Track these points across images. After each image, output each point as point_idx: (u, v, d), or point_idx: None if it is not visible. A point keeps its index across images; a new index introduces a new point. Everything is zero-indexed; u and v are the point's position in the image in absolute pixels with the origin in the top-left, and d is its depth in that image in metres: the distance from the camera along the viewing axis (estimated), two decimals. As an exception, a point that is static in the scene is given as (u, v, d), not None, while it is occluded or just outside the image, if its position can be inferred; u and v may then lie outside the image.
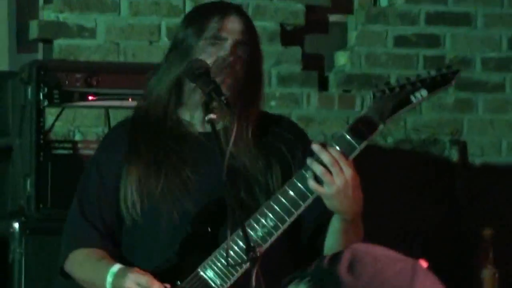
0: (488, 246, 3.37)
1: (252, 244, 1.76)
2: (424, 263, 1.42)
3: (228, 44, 2.02)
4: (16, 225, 2.86)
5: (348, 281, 1.45)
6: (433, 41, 3.82)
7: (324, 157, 1.84)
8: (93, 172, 2.16)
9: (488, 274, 3.35)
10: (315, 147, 1.86)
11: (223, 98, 1.86)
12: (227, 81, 1.96)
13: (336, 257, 1.53)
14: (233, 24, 2.06)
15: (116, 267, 1.93)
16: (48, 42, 3.55)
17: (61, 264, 2.13)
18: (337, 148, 1.88)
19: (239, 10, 2.15)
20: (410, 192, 3.49)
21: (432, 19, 3.80)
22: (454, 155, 3.83)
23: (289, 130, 2.18)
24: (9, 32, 3.86)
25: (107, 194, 2.10)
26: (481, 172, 3.80)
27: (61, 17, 3.52)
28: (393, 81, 1.99)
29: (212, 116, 1.87)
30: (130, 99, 2.85)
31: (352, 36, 3.87)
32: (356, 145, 1.86)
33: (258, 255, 1.74)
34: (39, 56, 3.64)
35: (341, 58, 3.86)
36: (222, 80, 1.95)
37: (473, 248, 3.52)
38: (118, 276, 1.94)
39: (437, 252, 3.54)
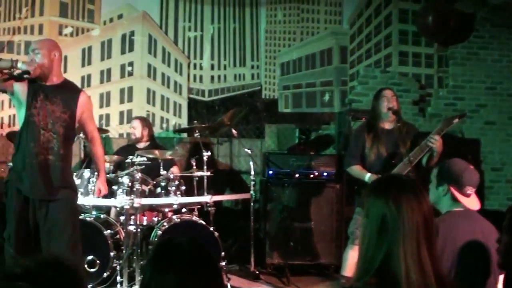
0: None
1: (410, 159, 3.95)
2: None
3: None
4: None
5: None
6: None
7: (436, 137, 3.86)
8: (356, 140, 4.28)
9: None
10: (433, 135, 3.90)
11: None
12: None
13: None
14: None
15: (370, 173, 4.06)
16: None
17: (344, 168, 4.38)
18: (437, 135, 3.84)
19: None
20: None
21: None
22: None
23: (411, 126, 4.35)
24: (340, 101, 6.35)
25: (360, 149, 4.28)
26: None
27: (353, 98, 6.20)
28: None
29: (397, 123, 4.21)
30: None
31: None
32: (440, 132, 3.87)
33: (412, 163, 3.96)
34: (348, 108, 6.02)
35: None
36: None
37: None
38: (372, 176, 3.93)
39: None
